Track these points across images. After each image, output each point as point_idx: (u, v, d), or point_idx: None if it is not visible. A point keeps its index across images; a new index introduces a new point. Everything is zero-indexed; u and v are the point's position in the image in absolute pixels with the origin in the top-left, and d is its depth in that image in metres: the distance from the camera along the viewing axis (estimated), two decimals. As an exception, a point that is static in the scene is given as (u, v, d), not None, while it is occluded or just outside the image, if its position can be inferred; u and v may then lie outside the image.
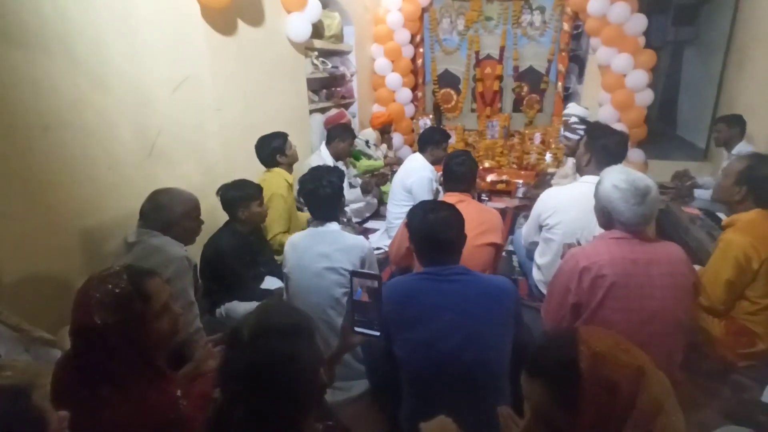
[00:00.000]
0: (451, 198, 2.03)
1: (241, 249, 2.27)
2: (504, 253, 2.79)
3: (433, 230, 1.44)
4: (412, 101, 4.94)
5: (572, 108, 2.93)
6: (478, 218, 1.91)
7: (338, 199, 1.89)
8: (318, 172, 1.91)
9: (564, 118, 2.94)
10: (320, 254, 1.81)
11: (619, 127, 3.98)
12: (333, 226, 1.88)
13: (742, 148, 3.14)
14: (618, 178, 1.49)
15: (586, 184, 2.00)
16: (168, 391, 1.11)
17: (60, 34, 1.86)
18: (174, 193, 1.79)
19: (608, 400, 0.80)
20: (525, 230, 2.33)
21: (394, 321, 1.46)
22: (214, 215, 2.37)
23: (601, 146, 2.07)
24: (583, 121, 2.79)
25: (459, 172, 2.09)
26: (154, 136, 2.35)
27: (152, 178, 2.30)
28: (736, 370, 1.83)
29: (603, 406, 0.80)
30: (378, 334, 1.15)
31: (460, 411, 1.36)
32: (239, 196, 2.22)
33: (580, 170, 2.21)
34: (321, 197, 1.83)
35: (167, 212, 1.73)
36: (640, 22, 3.99)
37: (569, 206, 2.00)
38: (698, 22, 4.69)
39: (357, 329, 1.17)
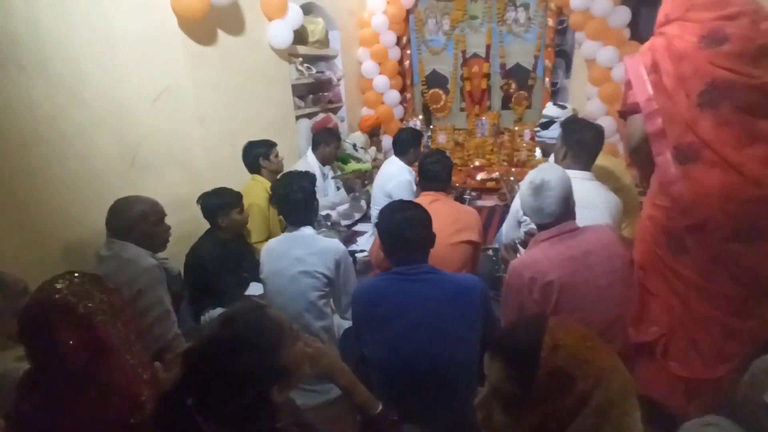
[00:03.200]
0: (426, 197, 2.04)
1: (223, 256, 2.29)
2: (490, 251, 2.80)
3: (399, 229, 1.45)
4: (400, 103, 4.95)
5: (546, 109, 2.94)
6: (454, 216, 1.92)
7: (310, 204, 1.90)
8: (289, 177, 1.92)
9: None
10: (295, 259, 1.83)
11: (607, 120, 3.98)
12: (307, 231, 1.90)
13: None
14: (530, 173, 1.53)
15: None
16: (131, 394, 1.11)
17: (34, 50, 1.89)
18: (130, 198, 1.82)
19: (562, 394, 0.80)
20: (505, 227, 2.33)
21: (363, 321, 1.48)
22: (199, 224, 2.40)
23: (576, 140, 2.07)
24: (544, 125, 2.80)
25: (434, 170, 2.10)
26: (135, 147, 2.38)
27: (135, 189, 2.31)
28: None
29: (556, 398, 0.81)
30: None
31: (431, 409, 1.37)
32: (218, 203, 2.25)
33: (557, 164, 2.21)
34: (293, 202, 1.85)
35: (123, 217, 1.76)
36: (624, 14, 3.98)
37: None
38: (685, 12, 4.66)
39: None
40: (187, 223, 2.55)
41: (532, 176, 1.52)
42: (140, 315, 1.65)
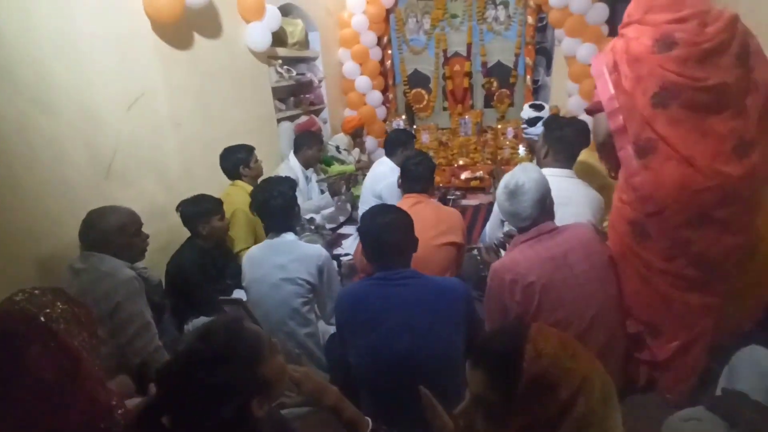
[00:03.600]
0: (409, 200, 2.02)
1: (205, 264, 2.25)
2: (475, 251, 2.79)
3: (380, 234, 1.44)
4: (383, 103, 4.93)
5: (523, 111, 2.97)
6: (437, 218, 1.91)
7: (291, 209, 1.87)
8: (268, 183, 1.89)
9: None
10: (276, 266, 1.80)
11: (588, 117, 4.00)
12: (289, 237, 1.87)
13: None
14: (504, 177, 1.54)
15: (546, 177, 2.00)
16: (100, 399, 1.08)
17: (-1, 59, 1.83)
18: (107, 210, 1.77)
19: (545, 402, 0.80)
20: (488, 227, 2.34)
21: (346, 328, 1.47)
22: (179, 232, 2.35)
23: (557, 138, 2.07)
24: (529, 122, 2.81)
25: (416, 172, 2.09)
26: (109, 157, 2.32)
27: (110, 200, 2.25)
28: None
29: (539, 406, 0.80)
30: None
31: (416, 414, 1.35)
32: (198, 211, 2.20)
33: (539, 163, 2.21)
34: (273, 208, 1.82)
35: (100, 230, 1.71)
36: (602, 11, 4.01)
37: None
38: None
39: None
40: (165, 233, 2.50)
41: (506, 180, 1.52)
42: (119, 328, 1.61)
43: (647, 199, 1.44)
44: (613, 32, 4.16)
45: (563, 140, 2.05)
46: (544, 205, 1.51)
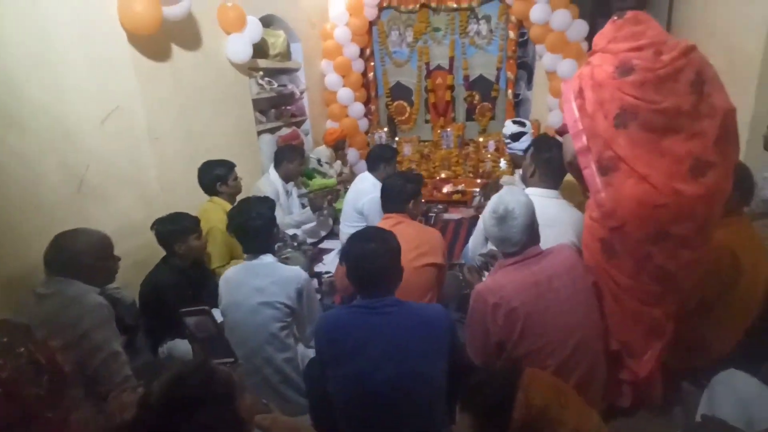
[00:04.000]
0: (388, 220, 2.00)
1: (181, 284, 2.18)
2: (456, 269, 2.78)
3: (364, 262, 1.41)
4: (365, 115, 4.91)
5: (505, 127, 2.99)
6: (417, 239, 1.89)
7: (270, 231, 1.83)
8: (246, 204, 1.85)
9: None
10: (254, 289, 1.75)
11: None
12: (267, 259, 1.82)
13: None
14: (492, 201, 1.53)
15: (532, 196, 2.00)
16: None
17: (-36, 72, 1.75)
18: (77, 233, 1.68)
19: None
20: (472, 243, 2.32)
21: (326, 357, 1.43)
22: (156, 249, 2.28)
23: (545, 159, 2.07)
24: (513, 136, 2.83)
25: (393, 192, 2.08)
26: (82, 173, 2.24)
27: (83, 217, 2.20)
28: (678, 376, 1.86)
29: None
30: (232, 359, 1.13)
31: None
32: (175, 229, 2.14)
33: (525, 181, 2.21)
34: (251, 230, 1.77)
35: (70, 254, 1.62)
36: (581, 27, 4.09)
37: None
38: (638, 25, 4.85)
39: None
40: (140, 250, 2.42)
41: (494, 205, 1.50)
42: (86, 358, 1.52)
43: (610, 215, 1.52)
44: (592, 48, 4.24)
45: (551, 162, 2.05)
46: (533, 230, 1.52)
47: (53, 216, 2.06)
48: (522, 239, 1.49)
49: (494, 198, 1.54)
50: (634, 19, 1.51)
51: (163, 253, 2.23)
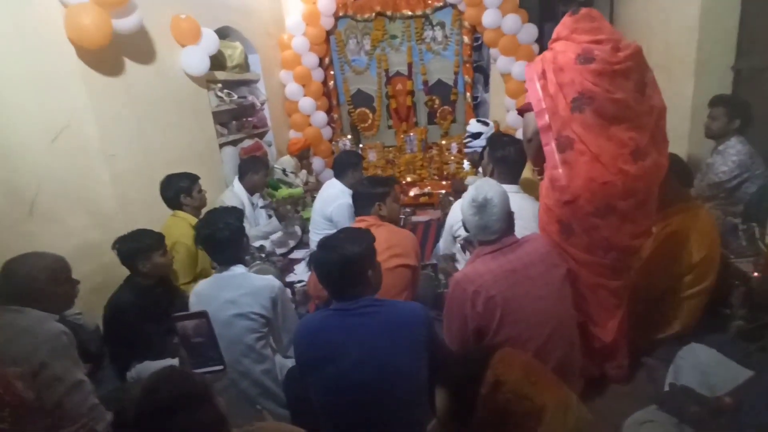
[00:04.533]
0: (360, 224, 2.00)
1: (146, 304, 2.09)
2: (429, 269, 2.81)
3: (334, 267, 1.39)
4: (328, 123, 4.91)
5: (469, 125, 3.08)
6: (389, 241, 1.89)
7: (239, 241, 1.79)
8: (213, 215, 1.80)
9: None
10: (227, 301, 1.71)
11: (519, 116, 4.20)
12: (238, 269, 1.78)
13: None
14: (470, 191, 1.58)
15: None
16: None
17: None
18: (29, 259, 1.57)
19: (501, 428, 0.79)
20: (441, 243, 2.36)
21: (305, 362, 1.41)
22: (115, 271, 2.18)
23: (500, 157, 2.14)
24: (474, 135, 2.92)
25: (363, 195, 2.08)
26: (32, 194, 2.13)
27: (36, 241, 2.07)
28: (646, 353, 1.95)
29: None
30: (221, 367, 1.11)
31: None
32: (138, 247, 2.05)
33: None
34: (220, 241, 1.73)
35: (25, 282, 1.52)
36: (532, 31, 4.25)
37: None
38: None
39: (197, 370, 1.12)
40: (100, 273, 2.32)
41: (473, 194, 1.54)
42: (46, 390, 1.42)
43: (564, 189, 1.67)
44: (543, 51, 4.42)
45: (507, 159, 2.13)
46: (510, 218, 1.57)
47: (3, 242, 1.94)
48: (501, 226, 1.54)
49: (471, 188, 1.58)
50: (589, 16, 1.68)
51: (125, 274, 2.14)
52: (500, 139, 2.26)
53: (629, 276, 1.82)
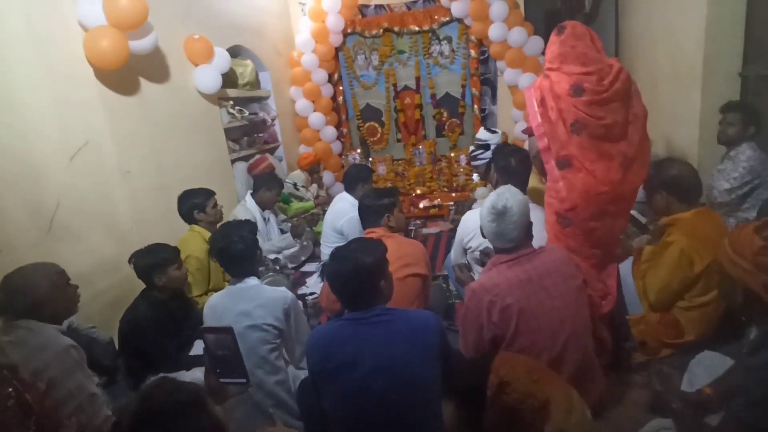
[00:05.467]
0: (369, 235, 2.02)
1: (162, 317, 2.12)
2: (440, 279, 2.82)
3: (347, 277, 1.40)
4: (338, 138, 4.98)
5: (478, 133, 3.12)
6: (398, 252, 1.91)
7: (253, 253, 1.82)
8: (227, 228, 1.84)
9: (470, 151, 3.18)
10: (240, 313, 1.73)
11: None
12: (252, 281, 1.81)
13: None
14: (491, 197, 1.59)
15: None
16: None
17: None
18: (28, 271, 1.60)
19: (511, 427, 0.80)
20: (453, 255, 2.37)
21: (318, 373, 1.42)
22: (131, 286, 2.23)
23: (502, 167, 2.17)
24: (481, 146, 2.94)
25: (371, 208, 2.11)
26: (51, 211, 2.19)
27: (54, 256, 2.11)
28: (659, 360, 1.92)
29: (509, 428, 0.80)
30: (244, 380, 1.14)
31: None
32: (154, 262, 2.09)
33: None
34: (234, 254, 1.76)
35: (31, 294, 1.55)
36: (538, 43, 4.29)
37: (487, 226, 2.04)
38: (589, 38, 5.12)
39: (223, 380, 1.13)
40: (116, 288, 2.37)
41: (493, 201, 1.56)
42: (59, 404, 1.44)
43: (565, 200, 1.89)
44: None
45: (509, 169, 2.15)
46: (528, 228, 1.58)
47: (23, 259, 1.98)
48: (518, 235, 1.54)
49: (493, 195, 1.59)
50: (573, 35, 1.85)
51: (139, 290, 2.18)
52: (503, 150, 2.29)
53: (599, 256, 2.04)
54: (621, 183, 1.84)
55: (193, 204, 2.60)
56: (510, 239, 1.56)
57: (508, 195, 1.56)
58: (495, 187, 2.22)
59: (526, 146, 3.74)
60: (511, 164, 2.08)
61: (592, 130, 1.81)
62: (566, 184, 1.85)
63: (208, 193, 2.64)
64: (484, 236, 1.64)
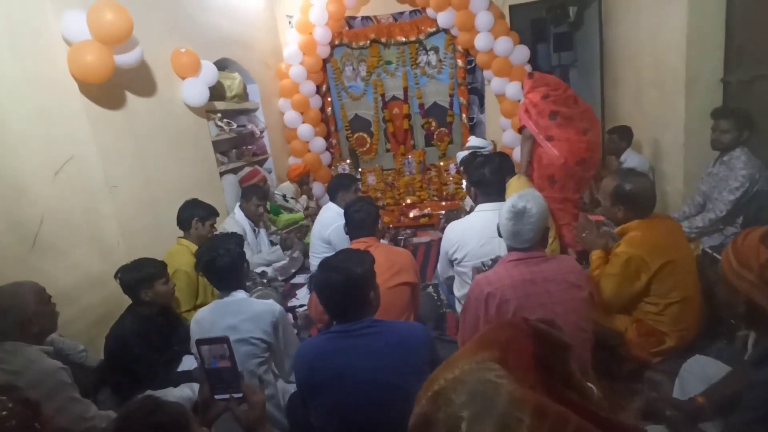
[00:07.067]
0: (357, 245, 2.01)
1: (148, 333, 2.09)
2: (430, 288, 2.81)
3: (334, 288, 1.39)
4: (327, 149, 4.98)
5: (469, 141, 3.22)
6: (388, 261, 1.90)
7: (240, 266, 1.80)
8: (213, 241, 1.82)
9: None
10: (228, 327, 1.70)
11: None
12: (239, 295, 1.79)
13: (628, 155, 3.45)
14: (512, 198, 1.61)
15: (483, 212, 2.08)
16: None
17: None
18: (9, 291, 1.58)
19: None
20: (439, 267, 2.36)
21: (307, 386, 1.40)
22: (118, 302, 2.19)
23: (477, 179, 2.18)
24: (476, 153, 2.99)
25: (358, 218, 2.10)
26: (36, 226, 2.15)
27: (38, 273, 2.08)
28: (651, 367, 1.92)
29: None
30: (241, 394, 1.10)
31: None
32: (140, 277, 2.06)
33: (475, 202, 2.29)
34: (220, 267, 1.74)
35: (17, 313, 1.52)
36: (523, 52, 4.34)
37: (470, 237, 2.05)
38: (575, 47, 5.19)
39: (217, 396, 1.10)
40: (102, 305, 2.33)
41: (514, 201, 1.57)
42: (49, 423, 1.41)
43: (557, 158, 2.97)
44: (535, 69, 4.50)
45: (483, 180, 2.16)
46: (544, 231, 1.59)
47: (7, 276, 1.95)
48: (534, 237, 1.56)
49: (514, 195, 1.60)
50: (540, 76, 3.20)
51: (125, 306, 2.14)
52: (473, 162, 2.30)
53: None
54: (586, 143, 2.98)
55: (197, 213, 2.62)
56: (525, 240, 1.57)
57: (529, 196, 1.58)
58: (474, 199, 2.23)
59: (516, 151, 3.82)
60: (486, 175, 2.10)
61: (562, 116, 2.98)
62: (556, 148, 2.96)
63: (214, 213, 2.70)
64: (500, 235, 1.65)
